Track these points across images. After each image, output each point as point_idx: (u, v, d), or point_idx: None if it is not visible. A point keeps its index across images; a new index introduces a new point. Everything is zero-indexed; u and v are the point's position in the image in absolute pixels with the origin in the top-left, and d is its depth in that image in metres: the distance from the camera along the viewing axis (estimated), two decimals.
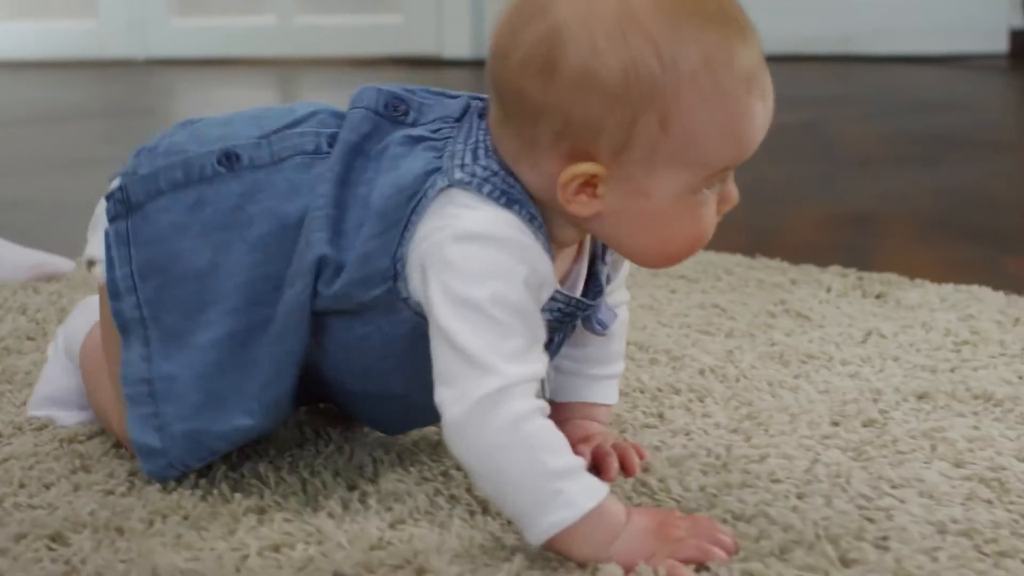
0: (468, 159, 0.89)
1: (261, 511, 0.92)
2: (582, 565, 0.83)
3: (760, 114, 0.86)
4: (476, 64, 4.77)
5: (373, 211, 0.90)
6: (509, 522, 0.88)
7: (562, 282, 0.94)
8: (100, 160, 2.74)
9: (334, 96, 4.56)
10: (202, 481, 0.97)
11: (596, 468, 0.98)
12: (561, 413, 1.03)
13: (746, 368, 1.21)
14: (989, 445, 1.01)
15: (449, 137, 0.91)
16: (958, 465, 0.98)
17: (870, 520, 0.87)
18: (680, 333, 1.33)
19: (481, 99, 0.93)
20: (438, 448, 1.03)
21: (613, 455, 1.00)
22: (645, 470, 0.98)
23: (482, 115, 0.92)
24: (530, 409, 0.84)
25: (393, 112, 0.94)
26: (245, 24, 4.70)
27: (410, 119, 0.94)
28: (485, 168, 0.89)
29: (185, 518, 0.91)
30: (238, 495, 0.95)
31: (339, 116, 0.97)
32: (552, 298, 0.91)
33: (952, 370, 1.20)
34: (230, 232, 0.95)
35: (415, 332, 0.90)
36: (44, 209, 2.16)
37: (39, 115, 3.72)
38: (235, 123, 0.99)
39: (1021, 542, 0.84)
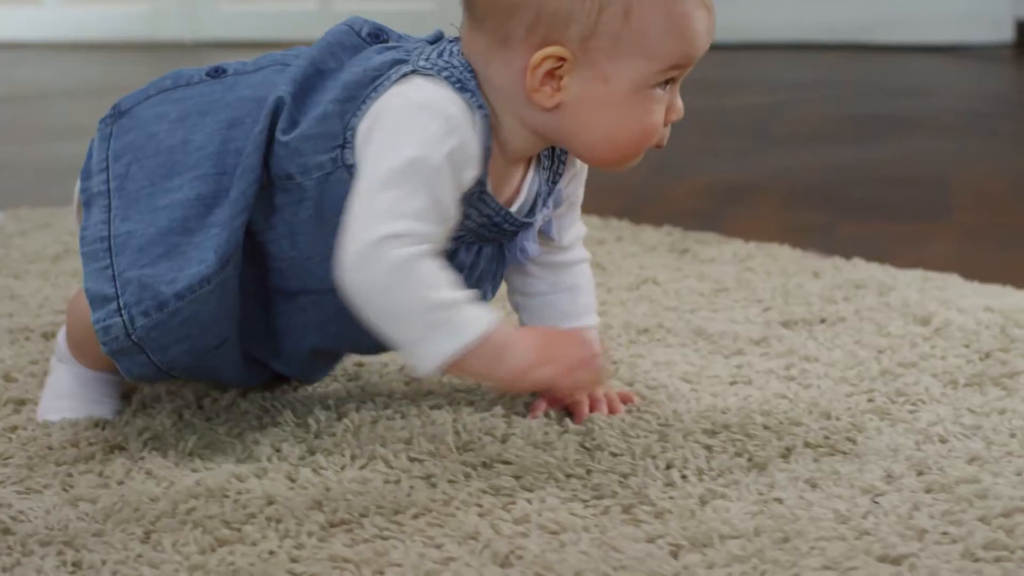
0: (433, 56, 1.00)
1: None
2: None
3: (703, 19, 0.98)
4: None
5: (338, 82, 1.00)
6: None
7: (505, 200, 1.03)
8: None
9: None
10: None
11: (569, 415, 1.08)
12: None
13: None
14: (670, 367, 1.19)
15: (411, 49, 1.02)
16: (630, 383, 1.16)
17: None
18: None
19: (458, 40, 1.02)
20: None
21: (585, 402, 1.07)
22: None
23: (453, 42, 1.02)
24: (419, 252, 0.94)
25: (374, 39, 1.04)
26: (288, 8, 4.95)
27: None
28: (447, 63, 0.99)
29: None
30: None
31: (342, 34, 1.04)
32: (481, 199, 1.00)
33: (692, 311, 1.37)
34: (205, 116, 1.03)
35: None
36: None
37: (97, 89, 3.98)
38: None
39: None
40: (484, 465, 0.99)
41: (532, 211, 1.06)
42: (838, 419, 1.07)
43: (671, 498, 0.93)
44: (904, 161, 2.35)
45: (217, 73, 1.06)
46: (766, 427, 1.05)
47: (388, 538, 0.88)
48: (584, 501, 0.93)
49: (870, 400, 1.12)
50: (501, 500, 0.93)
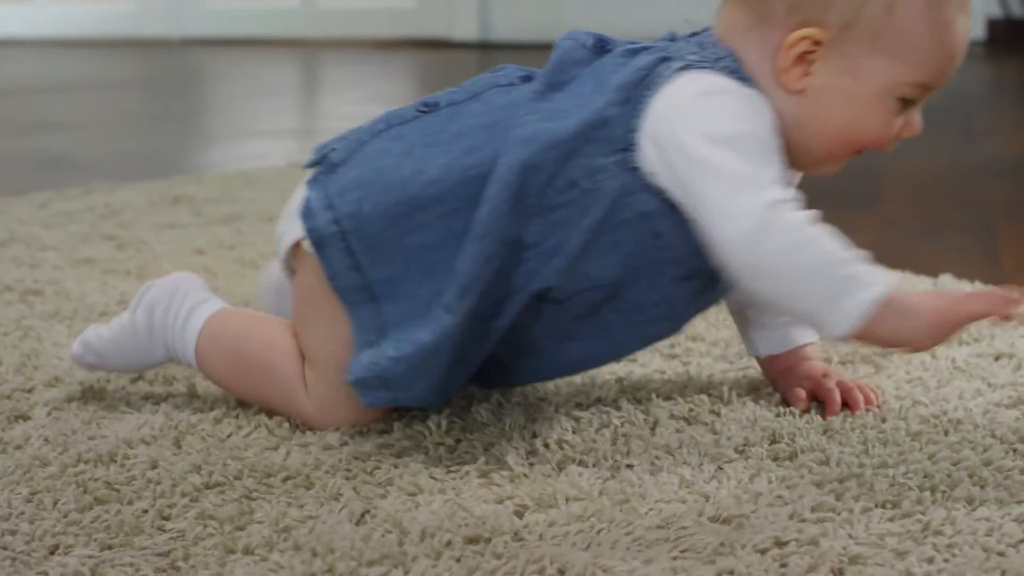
0: (695, 49, 0.98)
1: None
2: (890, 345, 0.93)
3: (963, 28, 0.96)
4: (482, 46, 5.01)
5: (610, 86, 0.96)
6: None
7: None
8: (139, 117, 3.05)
9: (352, 73, 4.81)
10: None
11: (820, 403, 1.09)
12: (777, 365, 1.12)
13: None
14: None
15: (668, 46, 0.99)
16: None
17: None
18: None
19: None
20: None
21: (836, 391, 1.07)
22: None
23: (692, 35, 1.00)
24: (807, 215, 0.92)
25: (599, 49, 1.01)
26: (272, 6, 5.02)
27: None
28: (715, 53, 0.97)
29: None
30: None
31: (524, 69, 1.04)
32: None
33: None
34: (433, 148, 0.99)
35: (642, 218, 0.96)
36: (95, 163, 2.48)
37: (84, 85, 4.04)
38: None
39: None
40: (360, 435, 1.05)
41: None
42: (708, 393, 1.13)
43: (530, 464, 0.99)
44: None
45: (428, 107, 1.03)
46: (637, 401, 1.11)
47: (256, 498, 0.94)
48: (447, 467, 0.99)
49: (744, 376, 1.17)
50: (369, 465, 0.99)
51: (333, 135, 1.08)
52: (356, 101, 3.74)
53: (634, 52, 0.99)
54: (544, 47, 4.63)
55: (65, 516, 0.91)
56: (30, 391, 1.16)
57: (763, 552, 0.84)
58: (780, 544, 0.85)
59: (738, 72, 0.97)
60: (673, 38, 1.01)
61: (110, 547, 0.87)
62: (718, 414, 1.09)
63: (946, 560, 0.83)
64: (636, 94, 0.95)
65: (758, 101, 0.96)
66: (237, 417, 1.09)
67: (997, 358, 1.23)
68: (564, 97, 0.98)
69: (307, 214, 1.00)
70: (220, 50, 5.05)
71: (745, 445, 1.02)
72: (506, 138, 0.96)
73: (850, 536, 0.86)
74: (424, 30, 4.82)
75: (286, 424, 1.07)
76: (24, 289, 1.51)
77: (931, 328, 0.92)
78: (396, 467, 0.98)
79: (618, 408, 1.09)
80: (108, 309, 1.42)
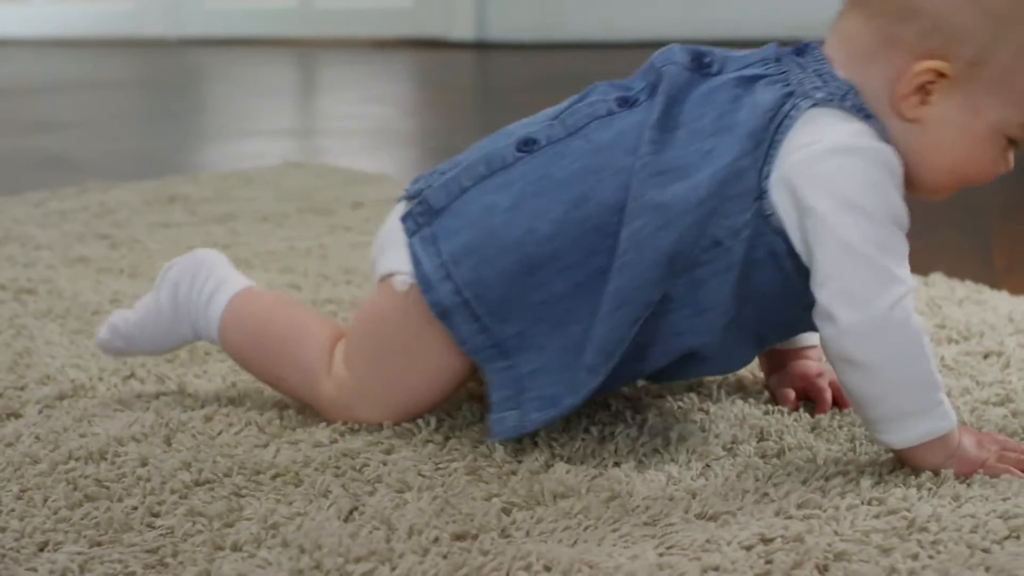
0: (819, 83, 0.95)
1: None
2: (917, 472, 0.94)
3: None
4: (479, 46, 5.02)
5: (738, 133, 0.94)
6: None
7: None
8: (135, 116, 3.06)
9: (349, 73, 4.81)
10: None
11: (811, 401, 1.10)
12: (776, 359, 1.13)
13: None
14: None
15: (784, 71, 0.97)
16: None
17: None
18: None
19: (786, 45, 1.00)
20: None
21: (828, 390, 1.09)
22: None
23: (798, 53, 0.98)
24: (919, 320, 0.92)
25: (699, 65, 0.99)
26: (270, 6, 5.02)
27: (715, 70, 0.99)
28: (839, 87, 0.95)
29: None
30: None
31: (616, 86, 1.01)
32: None
33: None
34: (541, 198, 0.97)
35: (771, 255, 0.95)
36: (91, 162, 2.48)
37: (81, 84, 4.05)
38: (530, 120, 1.03)
39: None
40: (351, 431, 1.05)
41: None
42: (697, 391, 1.13)
43: (518, 461, 0.99)
44: None
45: (528, 146, 1.00)
46: (625, 399, 1.11)
47: (245, 495, 0.94)
48: (436, 464, 0.99)
49: (733, 374, 1.18)
50: (358, 463, 0.99)
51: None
52: (353, 101, 3.75)
53: (750, 81, 0.97)
54: (542, 47, 4.64)
55: (55, 513, 0.92)
56: (22, 389, 1.17)
57: (748, 548, 0.85)
58: (766, 541, 0.86)
59: (863, 110, 0.95)
60: (778, 56, 0.99)
61: (99, 544, 0.87)
62: (707, 412, 1.09)
63: (930, 556, 0.84)
64: (765, 138, 0.94)
65: (888, 156, 0.94)
66: (228, 415, 1.09)
67: (985, 356, 1.23)
68: (684, 140, 0.96)
69: (426, 286, 0.99)
70: (218, 50, 5.06)
71: (733, 443, 1.03)
72: (616, 183, 0.95)
73: (835, 533, 0.87)
74: (421, 30, 4.83)
75: (276, 422, 1.07)
76: (18, 288, 1.51)
77: (958, 471, 0.95)
78: (385, 464, 0.99)
79: (607, 406, 1.10)
80: (101, 308, 1.43)
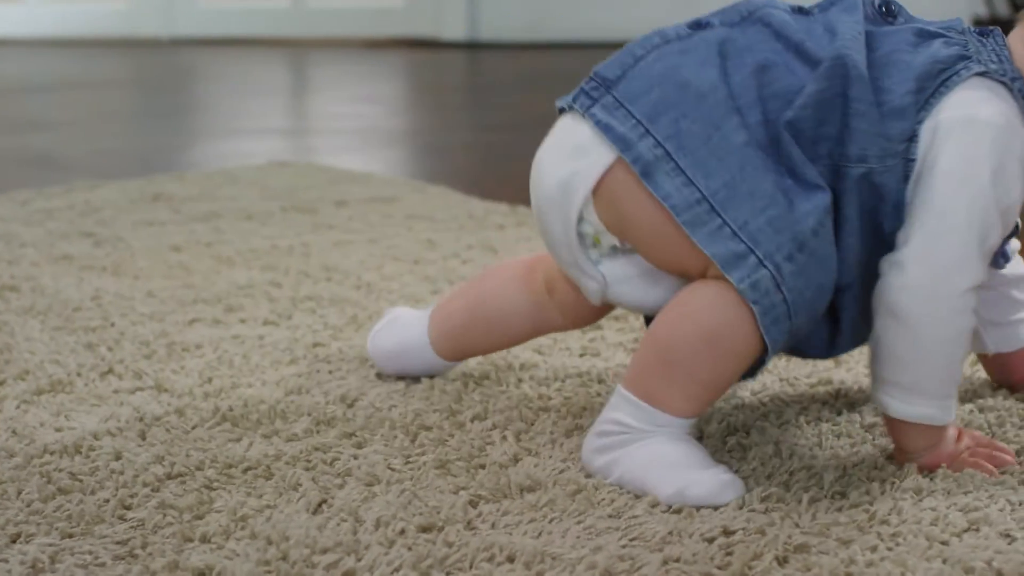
0: (995, 59, 0.97)
1: None
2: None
3: None
4: (471, 46, 5.04)
5: (909, 71, 0.95)
6: None
7: None
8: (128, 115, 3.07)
9: (341, 73, 4.80)
10: None
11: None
12: (1009, 363, 1.14)
13: None
14: None
15: (965, 40, 0.97)
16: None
17: None
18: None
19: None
20: None
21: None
22: None
23: (982, 34, 0.98)
24: (973, 320, 0.95)
25: (887, 12, 1.00)
26: (262, 6, 5.04)
27: (898, 22, 1.00)
28: (1012, 70, 0.96)
29: None
30: None
31: (794, 6, 1.01)
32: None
33: None
34: (726, 60, 0.96)
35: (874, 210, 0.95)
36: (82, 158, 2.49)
37: (74, 84, 4.06)
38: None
39: None
40: (327, 424, 1.07)
41: None
42: None
43: (486, 455, 1.00)
44: None
45: (700, 26, 0.99)
46: (596, 394, 1.13)
47: (216, 488, 0.95)
48: (406, 458, 1.00)
49: None
50: (329, 456, 1.00)
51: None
52: (345, 100, 3.76)
53: (931, 35, 0.98)
54: (533, 47, 4.64)
55: (28, 506, 0.93)
56: (1, 384, 1.18)
57: (710, 541, 0.86)
58: (727, 533, 0.87)
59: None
60: (962, 30, 0.99)
61: (71, 536, 0.89)
62: None
63: (889, 548, 0.85)
64: (930, 86, 0.95)
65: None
66: (202, 410, 1.10)
67: None
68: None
69: (624, 145, 0.95)
70: (210, 49, 5.07)
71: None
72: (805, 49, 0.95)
73: (796, 525, 0.88)
74: (413, 30, 4.84)
75: (252, 416, 1.08)
76: (0, 285, 1.53)
77: (928, 462, 0.97)
78: (356, 458, 1.00)
79: (575, 400, 1.11)
80: (82, 305, 1.44)
